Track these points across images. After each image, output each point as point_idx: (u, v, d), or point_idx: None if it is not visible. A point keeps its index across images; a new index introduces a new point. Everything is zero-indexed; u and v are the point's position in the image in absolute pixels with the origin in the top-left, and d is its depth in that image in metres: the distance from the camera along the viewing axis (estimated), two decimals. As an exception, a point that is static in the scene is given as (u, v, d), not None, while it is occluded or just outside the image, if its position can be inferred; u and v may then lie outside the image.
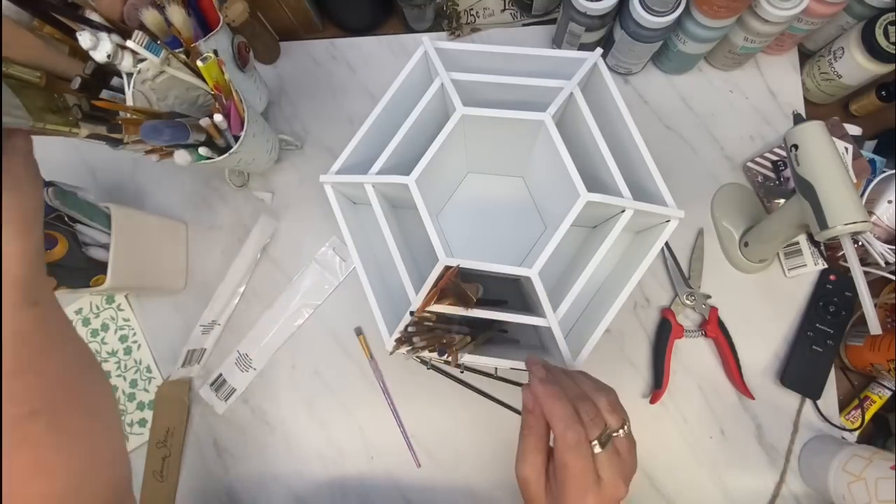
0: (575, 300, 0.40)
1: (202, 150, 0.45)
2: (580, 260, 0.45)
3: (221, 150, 0.46)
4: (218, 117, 0.43)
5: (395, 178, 0.42)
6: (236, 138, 0.45)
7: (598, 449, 0.32)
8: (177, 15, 0.41)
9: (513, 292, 0.52)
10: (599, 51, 0.43)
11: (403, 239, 0.46)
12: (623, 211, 0.40)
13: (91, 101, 0.42)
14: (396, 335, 0.41)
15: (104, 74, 0.44)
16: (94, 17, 0.41)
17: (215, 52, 0.42)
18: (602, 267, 0.45)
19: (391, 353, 0.41)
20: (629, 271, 0.43)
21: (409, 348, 0.39)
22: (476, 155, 0.51)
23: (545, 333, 0.45)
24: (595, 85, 0.45)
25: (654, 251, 0.42)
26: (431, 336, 0.39)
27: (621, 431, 0.33)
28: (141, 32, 0.40)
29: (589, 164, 0.43)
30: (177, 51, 0.43)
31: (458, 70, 0.44)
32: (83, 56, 0.42)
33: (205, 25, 0.47)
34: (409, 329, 0.40)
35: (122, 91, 0.44)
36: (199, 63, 0.41)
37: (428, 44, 0.44)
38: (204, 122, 0.44)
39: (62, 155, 0.61)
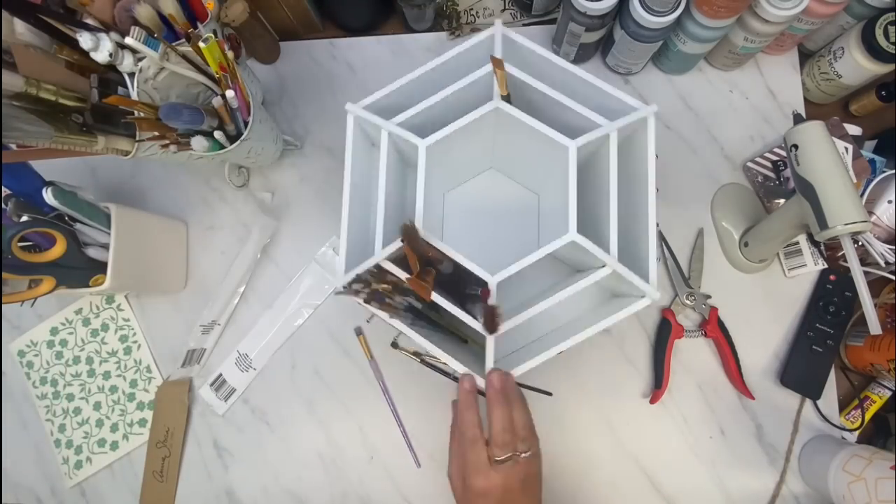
0: (521, 325, 0.41)
1: (217, 135, 0.46)
2: (549, 294, 0.45)
3: (233, 139, 0.47)
4: (230, 93, 0.44)
5: (409, 136, 0.42)
6: (245, 124, 0.46)
7: (497, 455, 0.37)
8: (168, 3, 0.42)
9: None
10: (655, 107, 0.42)
11: (401, 199, 0.45)
12: (603, 266, 0.40)
13: (101, 99, 0.44)
14: (353, 275, 0.41)
15: (108, 84, 0.45)
16: (90, 21, 0.41)
17: (214, 33, 0.43)
18: (566, 310, 0.48)
19: (340, 292, 0.41)
20: (587, 322, 0.42)
21: (356, 292, 0.39)
22: (503, 154, 0.51)
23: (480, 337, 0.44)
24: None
25: (615, 318, 0.41)
26: (377, 290, 0.39)
27: (527, 454, 0.38)
28: (138, 28, 0.41)
29: (593, 207, 0.43)
30: (175, 43, 0.44)
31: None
32: (87, 74, 0.44)
33: (194, 20, 0.47)
34: (364, 275, 0.40)
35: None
36: (200, 45, 0.42)
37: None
38: (216, 101, 0.45)
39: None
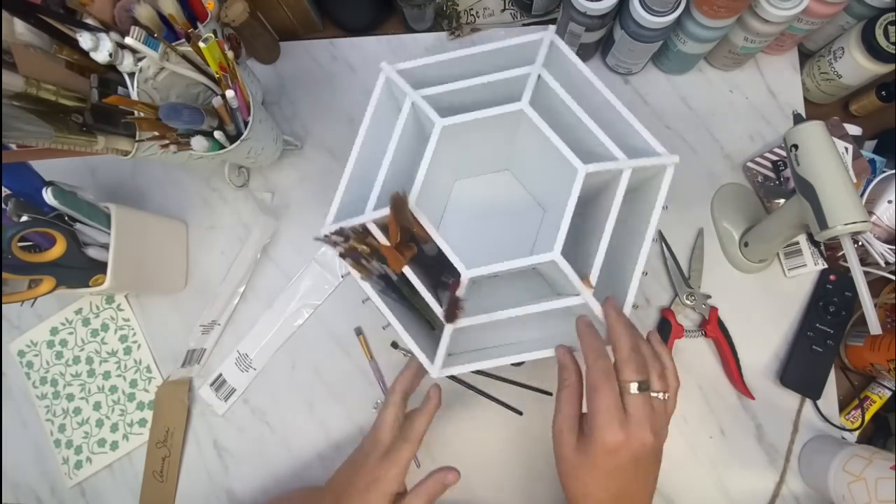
0: (486, 328, 0.41)
1: (217, 135, 0.46)
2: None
3: (233, 139, 0.47)
4: (230, 93, 0.44)
5: (430, 111, 0.41)
6: (245, 124, 0.46)
7: (633, 388, 0.32)
8: (168, 3, 0.42)
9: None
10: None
11: (408, 172, 0.44)
12: (577, 295, 0.40)
13: (101, 99, 0.44)
14: (336, 226, 0.41)
15: (108, 84, 0.45)
16: (90, 21, 0.41)
17: (214, 33, 0.43)
18: (538, 329, 0.48)
19: (319, 238, 0.41)
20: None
21: (334, 243, 0.40)
22: (460, 161, 0.51)
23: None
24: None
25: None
26: (356, 249, 0.40)
27: (662, 395, 0.33)
28: (138, 28, 0.41)
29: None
30: (175, 43, 0.44)
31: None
32: (87, 74, 0.44)
33: (194, 20, 0.47)
34: (346, 231, 0.40)
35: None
36: (200, 45, 0.42)
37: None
38: (216, 101, 0.45)
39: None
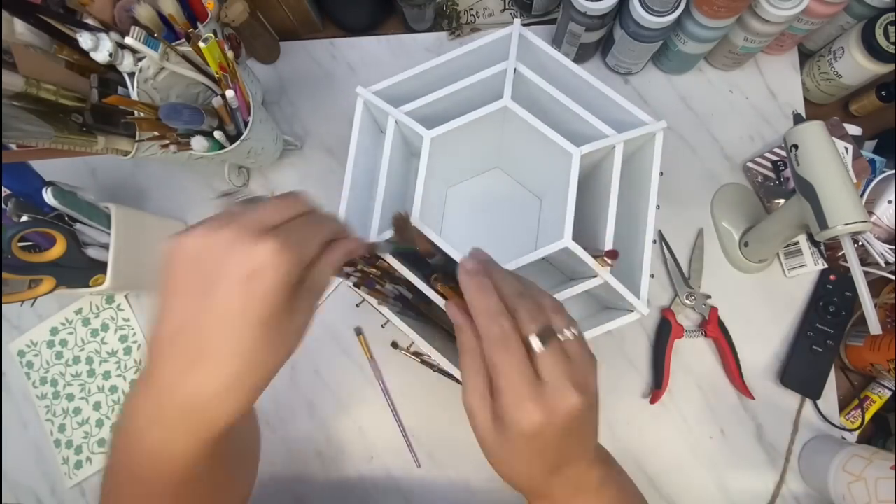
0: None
1: (217, 135, 0.46)
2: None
3: (233, 139, 0.47)
4: (230, 93, 0.44)
5: (416, 126, 0.42)
6: (245, 124, 0.46)
7: (537, 345, 0.26)
8: (168, 3, 0.42)
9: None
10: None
11: (403, 189, 0.45)
12: (595, 276, 0.40)
13: (101, 99, 0.44)
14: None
15: (108, 84, 0.45)
16: (90, 21, 0.41)
17: (214, 33, 0.43)
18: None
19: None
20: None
21: (347, 274, 0.39)
22: (509, 154, 0.51)
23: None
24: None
25: (601, 328, 0.42)
26: (368, 275, 0.39)
27: (568, 333, 0.27)
28: (138, 28, 0.41)
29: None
30: (175, 43, 0.44)
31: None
32: (87, 74, 0.44)
33: (194, 20, 0.47)
34: (355, 259, 0.40)
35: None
36: (200, 45, 0.42)
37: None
38: (216, 101, 0.45)
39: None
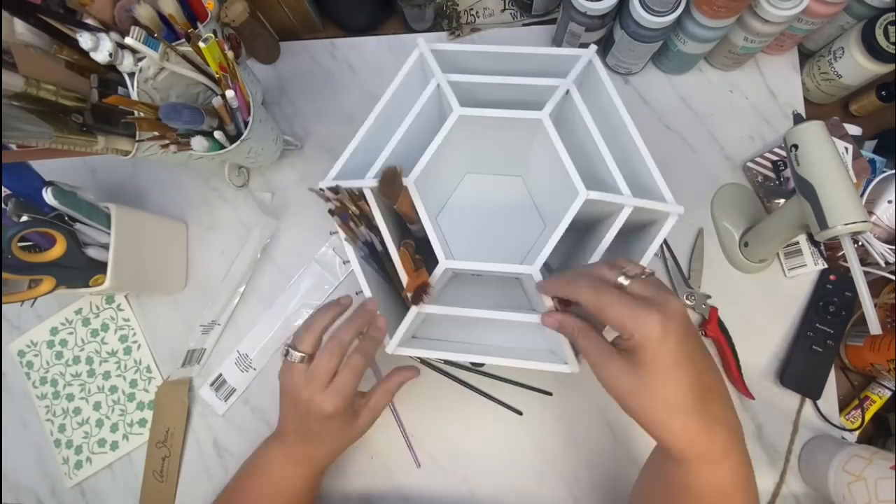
0: (460, 322, 0.41)
1: (217, 135, 0.46)
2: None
3: (233, 139, 0.47)
4: (230, 93, 0.44)
5: (452, 98, 0.42)
6: (245, 124, 0.46)
7: (623, 281, 0.32)
8: (168, 3, 0.42)
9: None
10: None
11: (419, 150, 0.44)
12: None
13: (101, 99, 0.44)
14: (334, 183, 0.42)
15: (108, 84, 0.45)
16: (90, 21, 0.41)
17: (214, 33, 0.43)
18: (521, 338, 0.48)
19: (313, 189, 0.42)
20: (527, 355, 0.43)
21: (327, 199, 0.41)
22: (474, 155, 0.51)
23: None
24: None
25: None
26: (347, 209, 0.41)
27: (645, 273, 0.33)
28: (138, 28, 0.41)
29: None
30: (175, 43, 0.44)
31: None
32: (87, 74, 0.44)
33: (194, 20, 0.47)
34: (342, 189, 0.41)
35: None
36: (200, 45, 0.42)
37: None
38: (216, 101, 0.45)
39: (62, 155, 0.61)
